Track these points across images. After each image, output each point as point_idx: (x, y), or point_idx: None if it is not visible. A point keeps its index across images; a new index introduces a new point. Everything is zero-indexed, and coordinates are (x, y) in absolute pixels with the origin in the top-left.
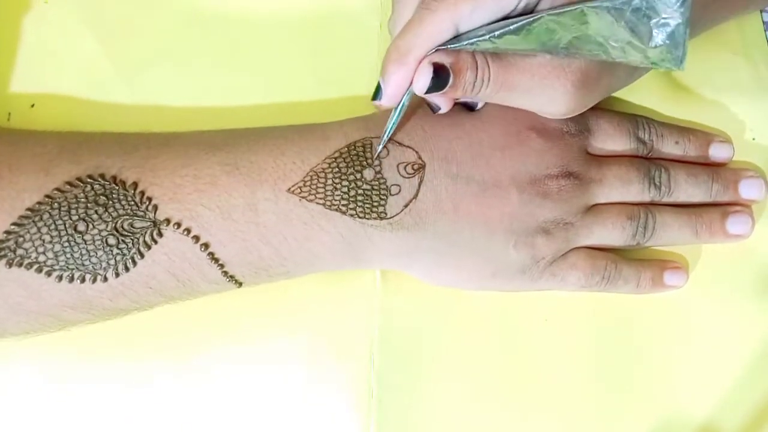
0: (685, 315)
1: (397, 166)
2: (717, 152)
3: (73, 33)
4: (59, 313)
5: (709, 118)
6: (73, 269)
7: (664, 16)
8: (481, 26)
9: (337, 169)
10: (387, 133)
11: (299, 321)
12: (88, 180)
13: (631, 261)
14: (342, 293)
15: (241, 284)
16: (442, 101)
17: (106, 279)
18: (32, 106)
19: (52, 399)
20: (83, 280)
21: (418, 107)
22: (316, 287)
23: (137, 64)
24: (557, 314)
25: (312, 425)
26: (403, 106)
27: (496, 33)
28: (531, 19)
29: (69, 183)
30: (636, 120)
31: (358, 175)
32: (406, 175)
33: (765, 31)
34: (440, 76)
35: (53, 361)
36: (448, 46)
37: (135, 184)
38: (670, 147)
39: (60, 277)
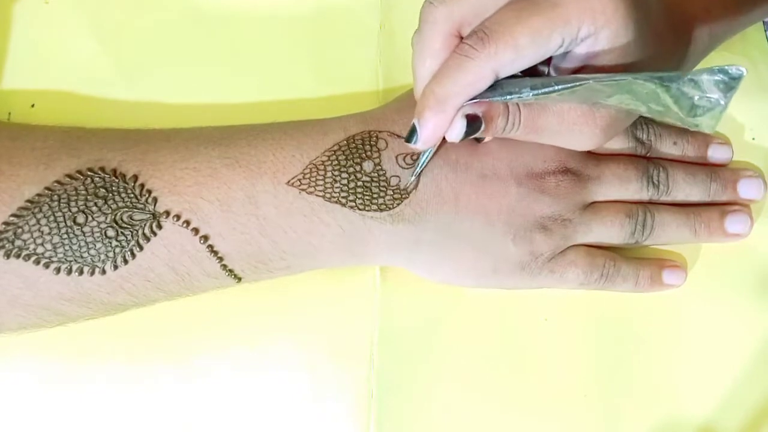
0: (685, 315)
1: (396, 157)
2: (716, 153)
3: (73, 33)
4: (57, 306)
5: None
6: (71, 261)
7: (708, 96)
8: (520, 80)
9: (336, 162)
10: (418, 169)
11: (299, 321)
12: (88, 173)
13: (630, 259)
14: (342, 293)
15: (240, 279)
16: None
17: (104, 272)
18: (32, 105)
19: (51, 399)
20: (81, 273)
21: (413, 98)
22: (317, 287)
23: (137, 63)
24: (557, 314)
25: (312, 425)
26: (434, 148)
27: (540, 92)
28: (577, 84)
29: (69, 175)
30: (634, 120)
31: (358, 167)
32: (405, 166)
33: (765, 31)
34: (473, 125)
35: (53, 361)
36: (489, 99)
37: (135, 177)
38: (668, 147)
39: (58, 269)
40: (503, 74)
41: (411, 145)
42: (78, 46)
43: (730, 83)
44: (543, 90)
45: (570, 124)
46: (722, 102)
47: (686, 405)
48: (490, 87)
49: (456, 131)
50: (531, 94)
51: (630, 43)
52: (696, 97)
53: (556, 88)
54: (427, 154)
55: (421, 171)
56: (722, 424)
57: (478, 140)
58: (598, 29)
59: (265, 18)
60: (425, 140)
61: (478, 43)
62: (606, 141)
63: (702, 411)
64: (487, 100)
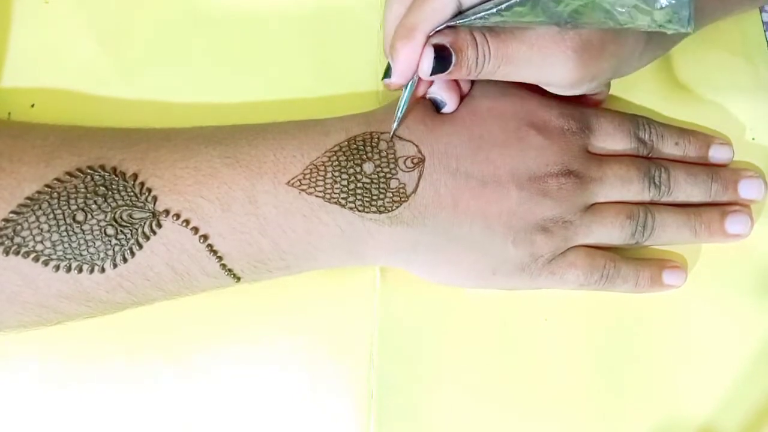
0: (685, 315)
1: (397, 159)
2: (717, 154)
3: (73, 32)
4: (56, 305)
5: (709, 119)
6: (70, 259)
7: None
8: (482, 1)
9: (336, 163)
10: (400, 110)
11: (299, 321)
12: (89, 171)
13: (630, 260)
14: (342, 293)
15: (239, 279)
16: (447, 96)
17: (103, 270)
18: (32, 105)
19: (51, 399)
20: (80, 270)
21: (418, 103)
22: (316, 287)
23: (137, 63)
24: (557, 314)
25: (312, 425)
26: (412, 84)
27: (503, 6)
28: None
29: (69, 173)
30: (636, 120)
31: (358, 169)
32: (406, 169)
33: (765, 31)
34: (443, 57)
35: (53, 361)
36: (456, 22)
37: (135, 176)
38: (670, 147)
39: (57, 267)
40: (467, 4)
41: (387, 81)
42: (78, 45)
43: None
44: (507, 3)
45: (540, 48)
46: None
47: (686, 405)
48: (457, 16)
49: (426, 64)
50: (495, 9)
51: None
52: None
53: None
54: (406, 95)
55: (402, 116)
56: (722, 424)
57: (438, 108)
58: None
59: (265, 18)
60: (400, 72)
61: None
62: (589, 72)
63: (702, 411)
64: (453, 23)
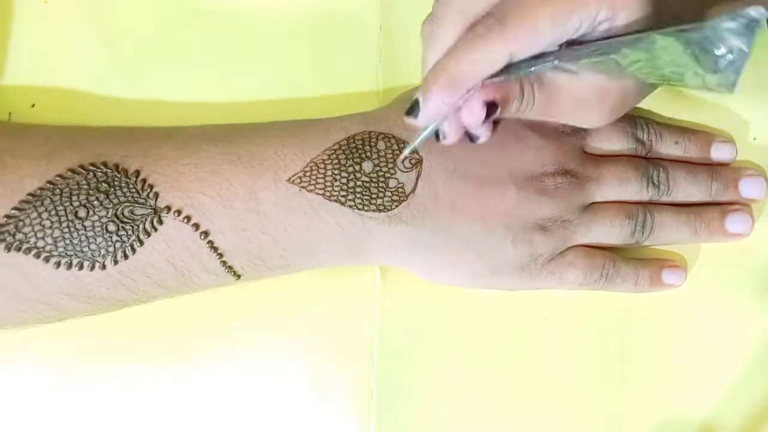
0: (685, 315)
1: (396, 159)
2: (719, 153)
3: (74, 32)
4: (57, 301)
5: (710, 119)
6: (71, 255)
7: (729, 44)
8: (533, 58)
9: (336, 161)
10: (414, 146)
11: (299, 320)
12: (91, 167)
13: (630, 259)
14: (342, 293)
15: (239, 276)
16: (453, 132)
17: (104, 266)
18: (33, 105)
19: (51, 398)
20: (81, 267)
21: None
22: (316, 287)
23: (138, 63)
24: (557, 314)
25: (312, 425)
26: (434, 127)
27: (557, 63)
28: (599, 52)
29: (71, 170)
30: (634, 120)
31: (357, 167)
32: (404, 169)
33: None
34: (491, 109)
35: (53, 361)
36: (503, 77)
37: (137, 172)
38: (669, 147)
39: (58, 264)
40: (518, 57)
41: (409, 120)
42: (78, 45)
43: (751, 26)
44: (567, 58)
45: (582, 103)
46: (745, 49)
47: (686, 405)
48: (504, 69)
49: (475, 115)
50: (557, 61)
51: (647, 17)
52: (717, 49)
53: (580, 54)
54: (428, 131)
55: (416, 147)
56: (722, 424)
57: (473, 141)
58: (617, 12)
59: (265, 17)
60: (428, 116)
61: (495, 25)
62: (613, 119)
63: (702, 411)
64: (503, 79)
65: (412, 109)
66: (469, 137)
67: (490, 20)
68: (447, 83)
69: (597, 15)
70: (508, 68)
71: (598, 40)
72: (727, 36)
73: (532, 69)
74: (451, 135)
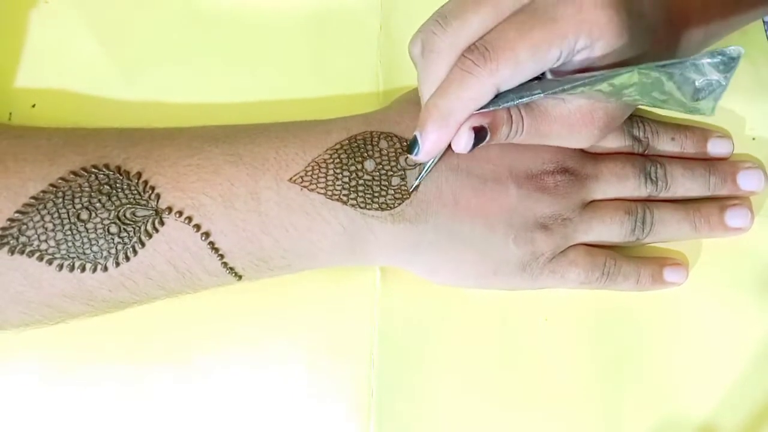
0: (685, 315)
1: (398, 157)
2: (715, 148)
3: (74, 32)
4: (59, 304)
5: (708, 118)
6: (74, 258)
7: (709, 78)
8: (519, 88)
9: (338, 160)
10: (422, 175)
11: (299, 321)
12: (93, 170)
13: (631, 258)
14: (342, 293)
15: (240, 277)
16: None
17: (106, 268)
18: (33, 106)
19: (51, 398)
20: (83, 269)
21: (414, 103)
22: (317, 287)
23: (138, 63)
24: (557, 314)
25: (312, 425)
26: (436, 158)
27: (549, 92)
28: (583, 83)
29: (73, 172)
30: (631, 118)
31: (359, 166)
32: (407, 167)
33: (765, 31)
34: (478, 136)
35: (53, 361)
36: (493, 108)
37: (139, 174)
38: (666, 144)
39: (61, 266)
40: (503, 88)
41: (412, 157)
42: (78, 45)
43: (730, 63)
44: (551, 90)
45: (570, 125)
46: (723, 83)
47: (686, 405)
48: (492, 101)
49: (463, 143)
50: (542, 93)
51: (624, 46)
52: (698, 81)
53: (565, 88)
54: (430, 162)
55: (424, 177)
56: (722, 424)
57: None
58: (594, 41)
59: (266, 18)
60: (427, 152)
61: (480, 59)
62: (601, 139)
63: (702, 411)
64: (491, 109)
65: (413, 146)
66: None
67: (475, 54)
68: (440, 120)
69: (575, 45)
70: (496, 98)
71: (582, 71)
72: (707, 71)
73: (519, 100)
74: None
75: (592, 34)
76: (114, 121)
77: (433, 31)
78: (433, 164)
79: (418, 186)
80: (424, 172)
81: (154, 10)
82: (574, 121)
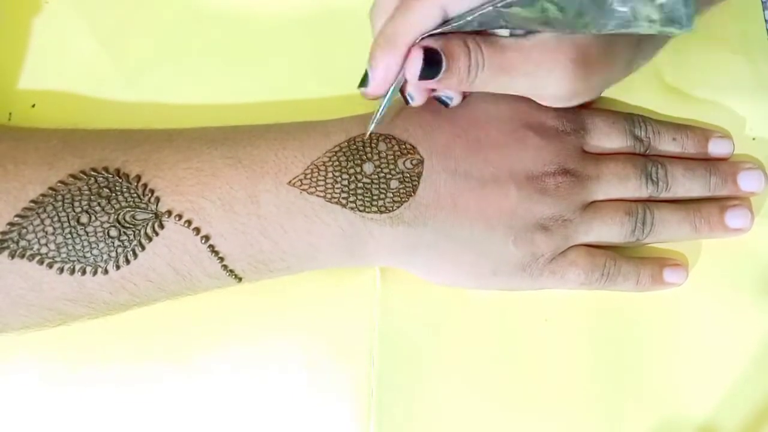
0: (685, 315)
1: (397, 160)
2: (716, 148)
3: (74, 32)
4: (60, 307)
5: (708, 117)
6: (74, 261)
7: None
8: (468, 11)
9: (337, 163)
10: (374, 121)
11: (299, 321)
12: (92, 173)
13: (631, 258)
14: (342, 293)
15: (240, 279)
16: (418, 92)
17: (106, 271)
18: (33, 105)
19: (51, 399)
20: (84, 273)
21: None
22: (316, 287)
23: (138, 63)
24: (557, 314)
25: (312, 425)
26: (391, 95)
27: (499, 4)
28: None
29: (73, 176)
30: (632, 118)
31: (358, 169)
32: (405, 170)
33: (766, 30)
34: (433, 61)
35: (53, 361)
36: (446, 29)
37: (138, 177)
38: (667, 144)
39: (61, 269)
40: (451, 11)
41: (363, 90)
42: (78, 45)
43: None
44: (503, 2)
45: (537, 59)
46: None
47: (686, 405)
48: (442, 26)
49: (413, 68)
50: (490, 5)
51: None
52: None
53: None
54: (384, 103)
55: (379, 120)
56: (722, 424)
57: (446, 105)
58: None
59: (266, 19)
60: (378, 82)
61: None
62: (585, 86)
63: (702, 411)
64: (440, 30)
65: (363, 80)
66: (440, 101)
67: None
68: (386, 45)
69: None
70: (448, 25)
71: None
72: None
73: (469, 18)
74: (416, 97)
75: None
76: (114, 121)
77: None
78: (388, 102)
79: (373, 128)
80: (377, 114)
81: (154, 10)
82: (539, 53)
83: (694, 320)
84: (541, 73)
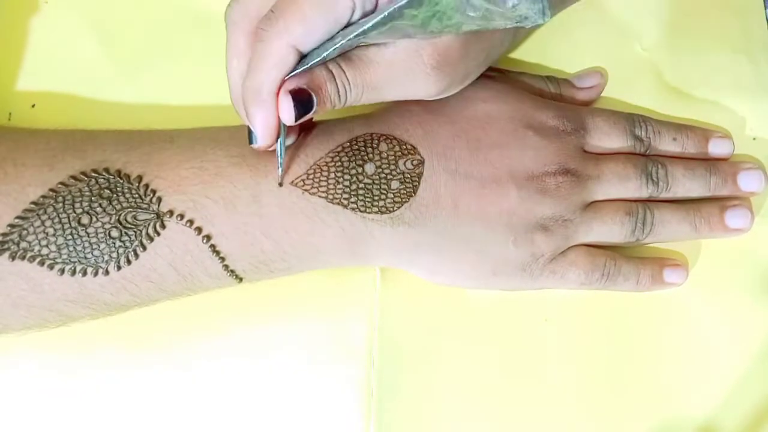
0: (685, 315)
1: (398, 160)
2: (716, 148)
3: (74, 32)
4: (61, 308)
5: (709, 117)
6: (75, 262)
7: None
8: (325, 42)
9: (339, 163)
10: (280, 165)
11: (299, 321)
12: (93, 174)
13: (631, 258)
14: (342, 293)
15: (241, 279)
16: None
17: (107, 272)
18: (33, 106)
19: (51, 397)
20: (85, 274)
21: (415, 105)
22: (317, 287)
23: (138, 64)
24: (557, 314)
25: (312, 425)
26: (282, 140)
27: (352, 36)
28: (379, 19)
29: (73, 177)
30: (632, 118)
31: (360, 169)
32: (406, 171)
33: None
34: (303, 101)
35: (53, 360)
36: (304, 67)
37: (140, 178)
38: (667, 144)
39: (62, 271)
40: (304, 48)
41: (255, 146)
42: (78, 45)
43: None
44: (355, 33)
45: (398, 68)
46: None
47: (686, 405)
48: (302, 61)
49: (286, 114)
50: (344, 40)
51: None
52: None
53: (365, 28)
54: (279, 147)
55: (283, 165)
56: (722, 424)
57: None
58: None
59: None
60: (263, 136)
61: (268, 23)
62: (455, 79)
63: (702, 411)
64: (301, 69)
65: (250, 137)
66: (249, 137)
67: (264, 21)
68: (254, 98)
69: None
70: (305, 61)
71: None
72: None
73: (324, 55)
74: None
75: None
76: (114, 121)
77: (230, 3)
78: (283, 147)
79: (282, 176)
80: (279, 157)
81: (153, 10)
82: (399, 62)
83: (694, 320)
84: (405, 80)
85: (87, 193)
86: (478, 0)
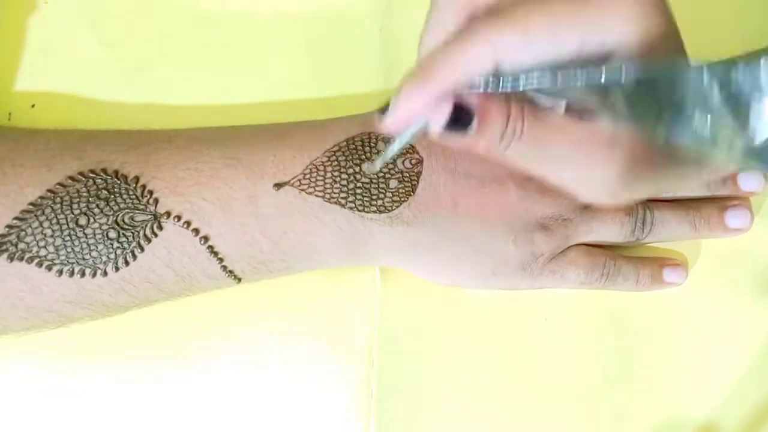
0: (685, 315)
1: (396, 160)
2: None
3: (73, 32)
4: (60, 309)
5: None
6: (73, 263)
7: None
8: (523, 72)
9: (336, 163)
10: (385, 157)
11: (299, 321)
12: (91, 175)
13: (630, 258)
14: (342, 293)
15: (240, 280)
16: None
17: (106, 273)
18: (33, 106)
19: (50, 399)
20: (83, 275)
21: None
22: (317, 287)
23: (137, 64)
24: (557, 314)
25: (312, 425)
26: (409, 136)
27: (557, 79)
28: (605, 74)
29: (71, 177)
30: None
31: (357, 169)
32: (405, 170)
33: None
34: (461, 120)
35: (51, 361)
36: (489, 89)
37: (137, 179)
38: None
39: (60, 272)
40: (504, 63)
41: (379, 119)
42: (78, 45)
43: None
44: (561, 78)
45: (583, 151)
46: None
47: (686, 405)
48: (493, 81)
49: (438, 117)
50: (537, 79)
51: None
52: (755, 96)
53: (579, 77)
54: (400, 140)
55: (389, 158)
56: (722, 424)
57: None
58: (629, 38)
59: (265, 19)
60: (396, 119)
61: (485, 18)
62: (625, 194)
63: (702, 411)
64: (482, 90)
65: (385, 106)
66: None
67: (483, 14)
68: (418, 80)
69: (606, 36)
70: (497, 84)
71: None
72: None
73: (516, 83)
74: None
75: (639, 28)
76: (114, 121)
77: None
78: (400, 146)
79: (380, 167)
80: (390, 152)
81: (154, 10)
82: (588, 142)
83: (694, 320)
84: (580, 165)
85: (85, 194)
86: (717, 99)
